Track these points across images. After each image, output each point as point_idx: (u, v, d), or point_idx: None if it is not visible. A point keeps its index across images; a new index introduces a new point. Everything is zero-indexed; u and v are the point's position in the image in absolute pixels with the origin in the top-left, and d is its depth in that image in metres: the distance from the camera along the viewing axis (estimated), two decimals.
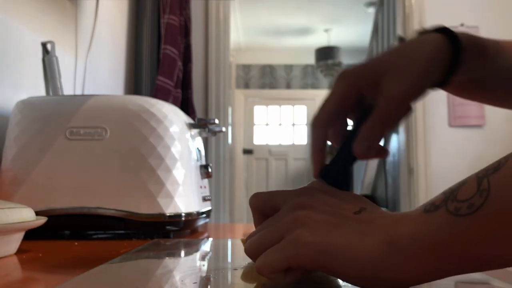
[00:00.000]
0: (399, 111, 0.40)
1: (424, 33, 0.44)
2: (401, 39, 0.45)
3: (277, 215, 0.36)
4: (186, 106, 1.91)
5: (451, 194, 0.29)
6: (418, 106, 2.33)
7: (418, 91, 0.40)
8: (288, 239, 0.32)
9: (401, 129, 2.51)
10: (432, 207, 0.30)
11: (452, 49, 0.42)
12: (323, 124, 0.42)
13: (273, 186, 5.49)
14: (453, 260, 0.29)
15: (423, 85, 0.40)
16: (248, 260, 0.48)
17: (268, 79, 5.76)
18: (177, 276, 0.41)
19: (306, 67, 5.74)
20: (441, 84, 0.44)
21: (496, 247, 0.27)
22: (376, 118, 0.40)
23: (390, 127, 0.41)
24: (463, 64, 0.43)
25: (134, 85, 1.79)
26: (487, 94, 0.53)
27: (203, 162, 0.88)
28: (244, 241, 0.51)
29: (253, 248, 0.35)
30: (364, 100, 0.42)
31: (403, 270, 0.29)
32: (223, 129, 0.92)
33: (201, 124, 0.83)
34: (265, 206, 0.38)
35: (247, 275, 0.46)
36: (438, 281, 0.40)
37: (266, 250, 0.33)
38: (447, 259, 0.29)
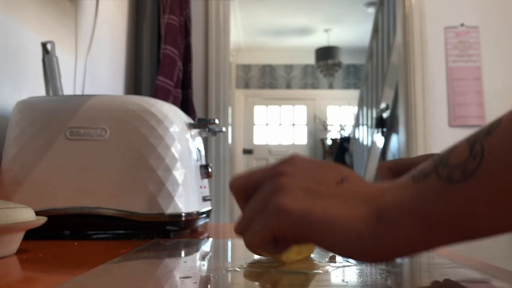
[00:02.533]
0: None
1: None
2: None
3: (260, 189, 0.34)
4: (186, 106, 1.91)
5: (441, 160, 0.29)
6: (418, 105, 2.33)
7: None
8: (269, 207, 0.31)
9: (401, 129, 2.51)
10: (421, 174, 0.29)
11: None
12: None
13: None
14: (445, 229, 0.28)
15: None
16: (247, 260, 0.48)
17: (268, 79, 5.76)
18: (177, 276, 0.41)
19: (306, 67, 5.74)
20: None
21: (491, 214, 0.26)
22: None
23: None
24: None
25: (134, 85, 1.79)
26: None
27: (203, 162, 0.88)
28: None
29: (240, 225, 0.34)
30: None
31: (392, 241, 0.28)
32: (223, 129, 0.92)
33: (201, 124, 0.83)
34: (246, 187, 0.36)
35: (250, 274, 0.46)
36: (437, 281, 0.40)
37: (251, 224, 0.32)
38: (439, 229, 0.28)
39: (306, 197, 0.31)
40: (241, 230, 0.34)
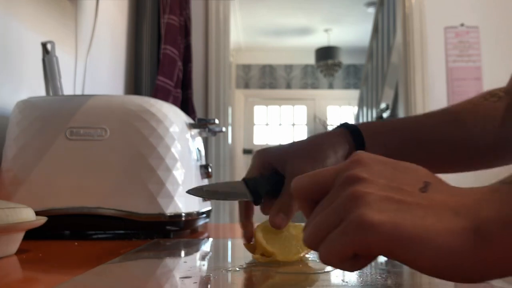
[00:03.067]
0: None
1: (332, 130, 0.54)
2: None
3: (330, 195, 0.31)
4: (186, 106, 1.91)
5: None
6: (418, 105, 2.33)
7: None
8: (350, 221, 0.27)
9: None
10: None
11: (352, 137, 0.52)
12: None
13: None
14: None
15: (322, 165, 0.49)
16: (247, 260, 0.48)
17: (268, 79, 5.76)
18: (177, 276, 0.41)
19: (306, 67, 5.74)
20: None
21: None
22: (287, 192, 0.48)
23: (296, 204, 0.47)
24: (368, 146, 0.52)
25: (134, 85, 1.79)
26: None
27: (203, 162, 0.88)
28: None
29: (312, 237, 0.30)
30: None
31: (492, 258, 0.25)
32: (223, 129, 0.92)
33: (201, 124, 0.83)
34: (311, 190, 0.33)
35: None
36: (437, 280, 0.40)
37: (327, 236, 0.29)
38: None
39: (391, 209, 0.27)
40: (314, 243, 0.30)
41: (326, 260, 0.29)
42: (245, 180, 0.50)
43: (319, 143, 0.51)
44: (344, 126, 0.53)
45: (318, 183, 0.32)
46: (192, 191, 0.52)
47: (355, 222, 0.27)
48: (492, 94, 0.59)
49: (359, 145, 0.52)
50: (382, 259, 0.54)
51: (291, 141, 0.53)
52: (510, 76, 0.61)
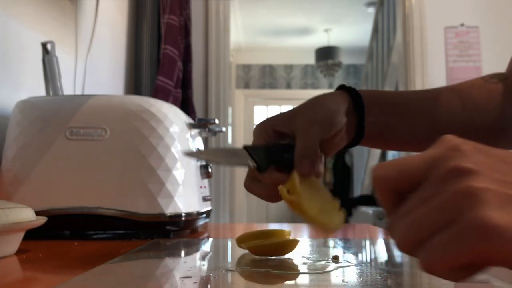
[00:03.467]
0: (314, 131, 0.46)
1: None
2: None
3: (428, 189, 0.26)
4: (186, 106, 1.91)
5: None
6: None
7: (324, 115, 0.47)
8: (467, 223, 0.23)
9: None
10: None
11: (351, 97, 0.51)
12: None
13: None
14: None
15: (329, 112, 0.48)
16: (247, 260, 0.48)
17: (268, 79, 5.76)
18: (177, 276, 0.41)
19: (306, 67, 5.74)
20: (358, 133, 0.52)
21: None
22: (300, 141, 0.46)
23: (316, 145, 0.46)
24: (367, 110, 0.51)
25: (134, 85, 1.79)
26: (393, 140, 0.57)
27: (203, 162, 0.88)
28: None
29: (407, 239, 0.26)
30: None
31: None
32: (223, 129, 0.92)
33: (201, 124, 0.83)
34: (399, 180, 0.28)
35: (250, 274, 0.45)
36: (437, 280, 0.40)
37: (430, 240, 0.24)
38: None
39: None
40: (410, 247, 0.26)
41: (430, 268, 0.25)
42: (246, 147, 0.47)
43: (321, 100, 0.50)
44: (344, 88, 0.52)
45: (407, 173, 0.28)
46: (191, 153, 0.51)
47: (473, 225, 0.23)
48: (491, 76, 0.59)
49: (358, 108, 0.51)
50: (382, 259, 0.54)
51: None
52: (510, 60, 0.61)
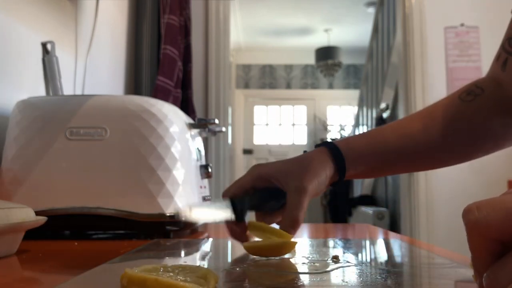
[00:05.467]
0: (305, 199, 0.53)
1: (317, 146, 0.60)
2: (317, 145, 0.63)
3: None
4: (186, 106, 1.91)
5: None
6: (418, 105, 2.33)
7: (314, 185, 0.54)
8: None
9: None
10: None
11: (335, 162, 0.57)
12: (233, 195, 0.55)
13: None
14: None
15: (317, 181, 0.55)
16: (247, 260, 0.48)
17: (268, 79, 5.76)
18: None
19: (306, 67, 5.74)
20: (341, 178, 0.58)
21: None
22: (292, 207, 0.53)
23: (303, 214, 0.53)
24: (349, 166, 0.57)
25: (134, 85, 1.79)
26: (388, 172, 0.66)
27: (203, 162, 0.88)
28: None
29: None
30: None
31: None
32: (223, 129, 0.92)
33: (201, 124, 0.83)
34: (508, 227, 0.24)
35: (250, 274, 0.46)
36: (437, 280, 0.40)
37: None
38: None
39: None
40: None
41: None
42: (231, 199, 0.53)
43: (310, 162, 0.56)
44: (325, 145, 0.59)
45: None
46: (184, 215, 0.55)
47: None
48: (468, 92, 0.61)
49: (340, 165, 0.57)
50: (382, 259, 0.54)
51: (283, 159, 0.58)
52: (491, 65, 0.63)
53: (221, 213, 0.54)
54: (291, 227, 0.52)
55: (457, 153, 0.62)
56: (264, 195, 0.55)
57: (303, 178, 0.54)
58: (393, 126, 0.62)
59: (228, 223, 0.55)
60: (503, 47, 0.60)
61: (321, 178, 0.55)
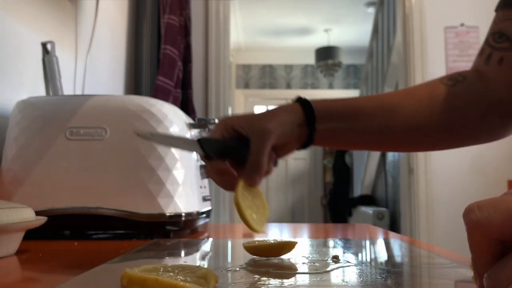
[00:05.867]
0: (268, 140, 0.52)
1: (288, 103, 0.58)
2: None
3: None
4: (186, 106, 1.91)
5: None
6: None
7: (276, 127, 0.53)
8: None
9: None
10: None
11: (304, 111, 0.56)
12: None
13: (273, 186, 5.49)
14: None
15: (281, 124, 0.53)
16: (247, 260, 0.48)
17: (268, 79, 5.76)
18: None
19: (306, 67, 5.74)
20: (308, 141, 0.57)
21: None
22: (254, 149, 0.51)
23: (266, 156, 0.52)
24: (318, 119, 0.56)
25: (134, 85, 1.79)
26: (346, 142, 0.62)
27: (203, 162, 0.88)
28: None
29: None
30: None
31: None
32: None
33: (201, 124, 0.83)
34: (508, 227, 0.24)
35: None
36: (437, 280, 0.40)
37: None
38: None
39: None
40: None
41: None
42: (199, 140, 0.52)
43: (277, 111, 0.55)
44: (299, 100, 0.57)
45: None
46: (143, 135, 0.55)
47: None
48: (450, 78, 0.61)
49: (310, 119, 0.56)
50: (382, 259, 0.54)
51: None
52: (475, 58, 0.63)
53: (188, 146, 0.55)
54: (254, 171, 0.51)
55: (430, 136, 0.60)
56: (232, 142, 0.54)
57: (265, 121, 0.53)
58: (371, 96, 0.62)
59: (209, 166, 0.53)
60: (487, 42, 0.60)
61: (285, 122, 0.54)
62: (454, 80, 0.60)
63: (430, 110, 0.58)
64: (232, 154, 0.54)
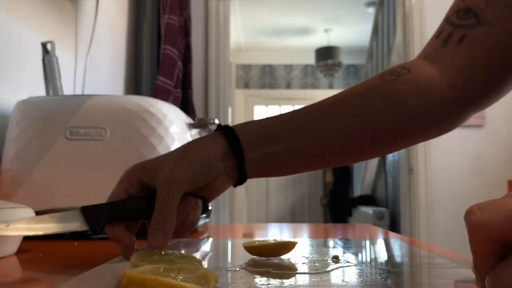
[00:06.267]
0: (174, 191, 0.43)
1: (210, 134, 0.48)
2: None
3: None
4: (186, 106, 1.91)
5: None
6: None
7: (189, 172, 0.44)
8: None
9: None
10: None
11: (227, 140, 0.46)
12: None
13: (273, 186, 5.49)
14: None
15: (196, 165, 0.44)
16: (247, 260, 0.48)
17: (268, 79, 5.76)
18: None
19: (306, 67, 5.74)
20: (241, 175, 0.48)
21: None
22: (159, 205, 0.43)
23: (173, 211, 0.43)
24: (247, 148, 0.47)
25: (134, 85, 1.79)
26: (288, 165, 0.52)
27: None
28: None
29: None
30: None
31: None
32: None
33: (201, 124, 0.83)
34: (505, 230, 0.24)
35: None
36: (437, 280, 0.40)
37: None
38: None
39: None
40: None
41: None
42: (81, 209, 0.45)
43: (192, 146, 0.47)
44: (219, 128, 0.48)
45: None
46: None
47: None
48: (391, 72, 0.53)
49: (236, 148, 0.47)
50: (382, 259, 0.54)
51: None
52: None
53: (68, 224, 0.43)
54: (157, 229, 0.42)
55: (380, 140, 0.52)
56: (131, 199, 0.45)
57: (172, 165, 0.44)
58: (303, 109, 0.52)
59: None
60: (447, 21, 0.53)
61: (201, 160, 0.44)
62: (396, 74, 0.52)
63: (373, 112, 0.50)
64: (134, 216, 0.45)
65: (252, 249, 0.51)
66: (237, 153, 0.46)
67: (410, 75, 0.52)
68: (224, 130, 0.48)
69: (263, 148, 0.48)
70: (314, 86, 5.77)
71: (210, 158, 0.45)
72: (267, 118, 0.51)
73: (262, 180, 5.58)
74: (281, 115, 0.51)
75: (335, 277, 0.40)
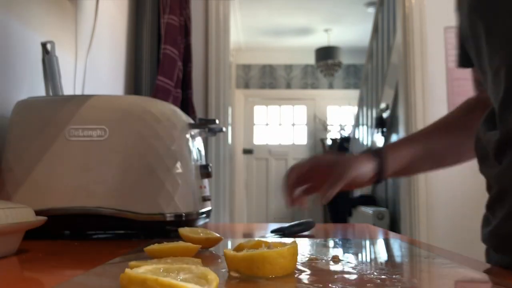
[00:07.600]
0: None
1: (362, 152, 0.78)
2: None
3: None
4: (186, 106, 1.91)
5: None
6: (418, 105, 2.33)
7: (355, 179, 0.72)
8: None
9: (401, 129, 2.51)
10: None
11: (376, 158, 0.74)
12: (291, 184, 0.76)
13: (273, 186, 5.49)
14: None
15: (358, 175, 0.72)
16: None
17: (268, 79, 5.76)
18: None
19: (306, 67, 5.74)
20: (380, 177, 0.75)
21: None
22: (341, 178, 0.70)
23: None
24: (391, 159, 0.74)
25: (134, 85, 1.79)
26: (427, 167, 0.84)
27: (203, 162, 0.87)
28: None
29: None
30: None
31: None
32: (223, 129, 0.92)
33: (201, 124, 0.83)
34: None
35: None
36: (437, 280, 0.40)
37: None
38: None
39: None
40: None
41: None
42: None
43: (357, 164, 0.72)
44: (369, 150, 0.75)
45: None
46: None
47: None
48: (469, 110, 0.77)
49: (380, 163, 0.73)
50: (382, 259, 0.54)
51: None
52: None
53: None
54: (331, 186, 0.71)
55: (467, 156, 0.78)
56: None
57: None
58: (425, 133, 0.81)
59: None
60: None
61: (361, 178, 0.72)
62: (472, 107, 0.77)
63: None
64: None
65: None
66: (380, 171, 0.74)
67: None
68: (376, 155, 0.74)
69: (403, 161, 0.76)
70: (314, 86, 5.77)
71: (366, 176, 0.73)
72: (412, 137, 0.82)
73: (262, 179, 5.59)
74: (420, 135, 0.82)
75: (335, 277, 0.40)
